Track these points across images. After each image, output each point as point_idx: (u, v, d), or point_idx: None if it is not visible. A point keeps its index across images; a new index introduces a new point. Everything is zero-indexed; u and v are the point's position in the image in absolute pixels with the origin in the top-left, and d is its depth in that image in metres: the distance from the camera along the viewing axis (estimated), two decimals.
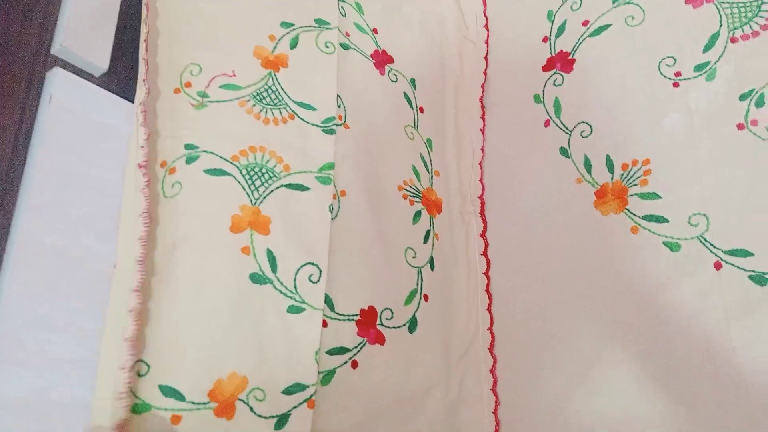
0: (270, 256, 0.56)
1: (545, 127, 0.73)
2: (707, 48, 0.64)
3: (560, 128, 0.72)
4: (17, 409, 0.43)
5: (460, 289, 0.71)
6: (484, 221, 0.75)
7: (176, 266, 0.53)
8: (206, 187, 0.57)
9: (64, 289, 0.49)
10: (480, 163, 0.77)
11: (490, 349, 0.69)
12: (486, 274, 0.72)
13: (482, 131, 0.79)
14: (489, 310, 0.70)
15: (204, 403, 0.48)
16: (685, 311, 0.57)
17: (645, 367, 0.58)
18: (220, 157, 0.58)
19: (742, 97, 0.60)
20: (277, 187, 0.59)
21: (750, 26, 0.62)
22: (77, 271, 0.49)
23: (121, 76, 0.60)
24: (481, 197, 0.76)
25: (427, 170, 0.74)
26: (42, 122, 0.51)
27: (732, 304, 0.55)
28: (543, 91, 0.75)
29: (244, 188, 0.58)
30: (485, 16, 0.84)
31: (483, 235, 0.74)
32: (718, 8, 0.64)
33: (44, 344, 0.46)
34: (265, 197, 0.58)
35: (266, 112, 0.63)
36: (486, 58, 0.82)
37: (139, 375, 0.47)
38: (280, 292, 0.55)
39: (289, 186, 0.60)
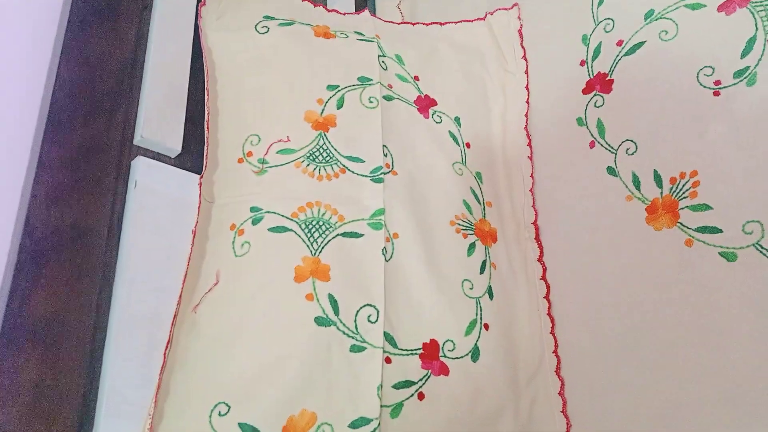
0: (332, 300, 0.61)
1: (590, 148, 0.74)
2: (745, 53, 0.63)
3: (605, 148, 0.73)
4: None
5: (522, 315, 0.72)
6: (540, 246, 0.76)
7: (249, 317, 0.59)
8: (271, 243, 0.63)
9: (159, 349, 0.56)
10: (531, 190, 0.79)
11: (557, 371, 0.70)
12: (547, 298, 0.73)
13: (530, 158, 0.81)
14: (552, 333, 0.71)
15: None
16: (747, 321, 0.56)
17: (708, 380, 0.57)
18: (282, 216, 0.65)
19: None
20: (333, 237, 0.65)
21: None
22: (165, 330, 0.56)
23: (194, 153, 0.69)
24: (535, 223, 0.78)
25: (479, 202, 0.77)
26: (130, 205, 0.60)
27: None
28: (585, 113, 0.76)
29: (304, 241, 0.64)
30: (522, 47, 0.87)
31: (540, 259, 0.76)
32: (752, 12, 0.64)
33: (144, 399, 0.54)
34: (323, 247, 0.64)
35: (319, 169, 0.69)
36: (527, 87, 0.84)
37: (219, 415, 0.54)
38: (343, 332, 0.60)
39: (344, 234, 0.65)
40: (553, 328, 0.72)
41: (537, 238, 0.77)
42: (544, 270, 0.75)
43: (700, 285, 0.60)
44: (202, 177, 0.64)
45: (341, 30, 0.83)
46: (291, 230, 0.64)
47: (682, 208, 0.64)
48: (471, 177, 0.79)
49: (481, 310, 0.69)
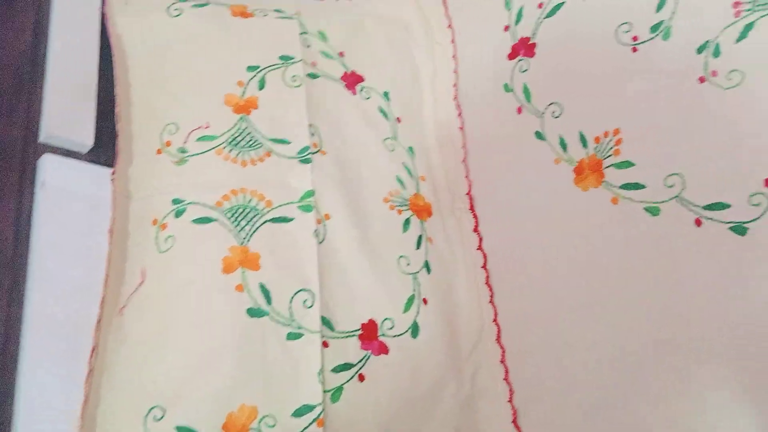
0: (263, 290, 0.59)
1: (518, 114, 0.74)
2: (660, 7, 0.63)
3: (532, 113, 0.73)
4: None
5: (460, 287, 0.72)
6: (475, 216, 0.76)
7: (178, 314, 0.57)
8: (196, 236, 0.61)
9: (82, 354, 0.54)
10: (464, 161, 0.79)
11: (498, 340, 0.70)
12: (484, 267, 0.73)
13: (461, 129, 0.80)
14: (492, 302, 0.72)
15: None
16: (674, 273, 0.57)
17: (644, 330, 0.58)
18: (206, 206, 0.62)
19: (700, 50, 0.60)
20: (262, 224, 0.63)
21: None
22: (87, 335, 0.54)
23: (108, 147, 0.65)
24: (469, 193, 0.77)
25: (412, 177, 0.76)
26: (39, 206, 0.57)
27: (716, 258, 0.54)
28: (511, 79, 0.76)
29: (230, 231, 0.61)
30: (447, 16, 0.85)
31: (476, 230, 0.75)
32: None
33: (69, 404, 0.51)
34: (251, 235, 0.62)
35: (243, 154, 0.66)
36: (455, 57, 0.83)
37: (155, 420, 0.52)
38: (278, 321, 0.58)
39: (273, 220, 0.64)
40: (492, 296, 0.72)
41: (472, 209, 0.77)
42: (480, 240, 0.75)
43: (627, 241, 0.61)
44: (114, 172, 0.61)
45: (260, 8, 0.80)
46: (216, 220, 0.62)
47: (607, 167, 0.64)
48: (403, 152, 0.78)
49: (419, 286, 0.68)
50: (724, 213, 0.55)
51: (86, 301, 0.56)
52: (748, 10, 0.57)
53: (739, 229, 0.54)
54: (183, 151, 0.66)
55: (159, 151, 0.66)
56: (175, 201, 0.63)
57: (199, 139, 0.66)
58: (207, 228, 0.61)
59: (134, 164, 0.64)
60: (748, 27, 0.57)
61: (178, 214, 0.62)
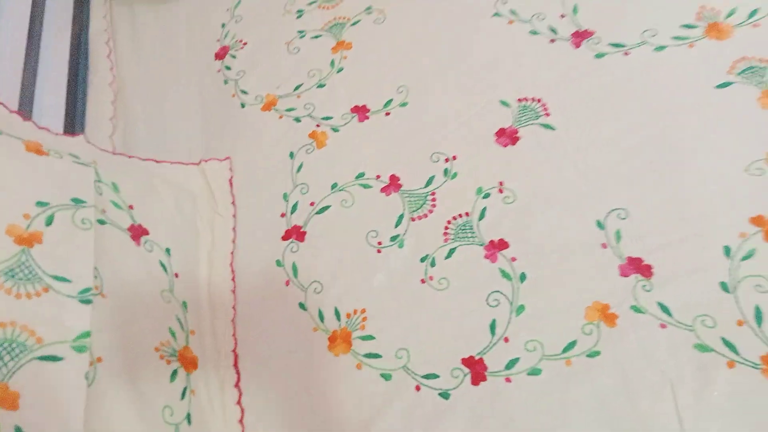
0: None
1: (286, 286, 0.88)
2: (397, 224, 0.87)
3: (298, 287, 0.87)
4: None
5: None
6: (238, 373, 0.83)
7: None
8: None
9: None
10: (233, 320, 0.87)
11: None
12: (241, 422, 0.79)
13: (233, 292, 0.90)
14: None
15: None
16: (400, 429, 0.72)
17: None
18: None
19: (422, 260, 0.83)
20: (28, 360, 0.61)
21: (422, 210, 0.87)
22: None
23: None
24: (234, 351, 0.85)
25: (183, 330, 0.82)
26: None
27: (427, 418, 0.72)
28: (283, 256, 0.91)
29: None
30: (232, 194, 0.99)
31: (237, 385, 0.82)
32: (401, 197, 0.89)
33: None
34: (14, 372, 0.59)
35: (18, 287, 0.65)
36: (234, 229, 0.96)
37: None
38: None
39: (42, 358, 0.62)
40: None
41: (236, 365, 0.84)
42: (240, 395, 0.81)
43: (368, 401, 0.75)
44: None
45: (56, 150, 0.83)
46: None
47: (355, 338, 0.80)
48: (177, 305, 0.83)
49: None
50: (435, 381, 0.74)
51: None
52: (452, 239, 0.84)
53: (445, 395, 0.73)
54: None
55: None
56: None
57: None
58: None
59: None
60: (452, 250, 0.83)
61: None
